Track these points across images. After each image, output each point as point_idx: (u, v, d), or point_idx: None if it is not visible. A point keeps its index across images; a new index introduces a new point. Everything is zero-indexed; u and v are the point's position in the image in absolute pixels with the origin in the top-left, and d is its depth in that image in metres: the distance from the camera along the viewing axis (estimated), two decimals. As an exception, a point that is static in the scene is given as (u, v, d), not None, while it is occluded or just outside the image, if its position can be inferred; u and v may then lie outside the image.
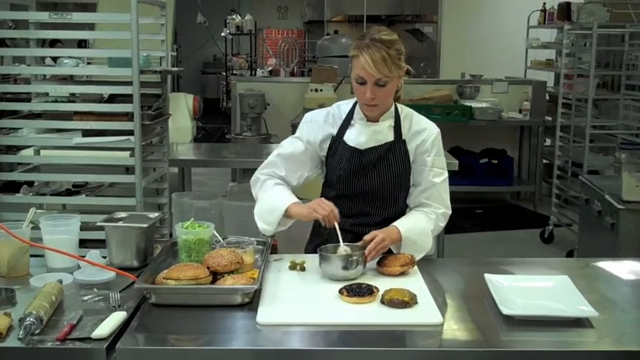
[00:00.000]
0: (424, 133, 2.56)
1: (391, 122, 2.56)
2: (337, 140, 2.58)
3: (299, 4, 14.73)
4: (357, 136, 2.55)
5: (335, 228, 2.36)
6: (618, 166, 5.12)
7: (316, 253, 2.47)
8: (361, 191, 2.56)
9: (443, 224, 2.59)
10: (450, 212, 2.59)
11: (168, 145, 4.31)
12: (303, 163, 2.61)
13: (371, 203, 2.59)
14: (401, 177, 2.56)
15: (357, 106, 2.58)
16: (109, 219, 2.45)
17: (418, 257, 2.44)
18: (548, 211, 6.49)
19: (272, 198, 2.51)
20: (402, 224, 2.49)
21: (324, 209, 2.37)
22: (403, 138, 2.55)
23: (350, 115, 2.59)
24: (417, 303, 2.06)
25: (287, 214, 2.45)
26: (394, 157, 2.54)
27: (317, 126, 2.61)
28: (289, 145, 2.62)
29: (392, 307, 2.04)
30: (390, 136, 2.55)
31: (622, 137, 5.97)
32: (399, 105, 2.60)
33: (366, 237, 2.37)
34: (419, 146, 2.55)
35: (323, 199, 2.45)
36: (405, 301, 2.04)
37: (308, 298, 2.13)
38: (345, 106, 2.63)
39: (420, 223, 2.51)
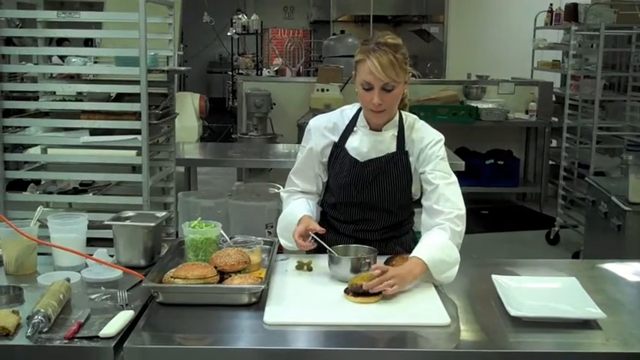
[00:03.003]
0: (423, 144, 2.49)
1: (394, 132, 2.51)
2: (339, 147, 2.54)
3: (305, 4, 14.73)
4: (359, 145, 2.51)
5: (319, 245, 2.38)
6: (625, 168, 5.11)
7: (320, 253, 2.47)
8: (362, 201, 2.54)
9: (459, 228, 2.37)
10: (463, 213, 2.42)
11: (175, 144, 4.31)
12: (314, 172, 2.61)
13: (372, 212, 2.56)
14: (402, 187, 2.52)
15: (361, 113, 2.53)
16: (117, 218, 2.45)
17: (454, 272, 2.27)
18: (554, 213, 6.47)
19: (287, 215, 2.56)
20: (420, 251, 2.27)
21: (298, 243, 2.40)
22: (406, 149, 2.51)
23: (353, 121, 2.55)
24: (380, 292, 2.07)
25: None
26: (395, 168, 2.50)
27: (319, 134, 2.57)
28: (299, 159, 2.64)
29: (358, 296, 2.06)
30: (392, 147, 2.50)
31: (629, 139, 5.96)
32: (403, 113, 2.54)
33: (386, 275, 2.13)
34: (420, 156, 2.49)
35: (299, 229, 2.40)
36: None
37: (315, 298, 2.13)
38: (349, 111, 2.58)
39: (437, 240, 2.32)
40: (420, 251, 2.28)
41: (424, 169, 2.48)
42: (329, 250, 2.32)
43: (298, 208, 2.54)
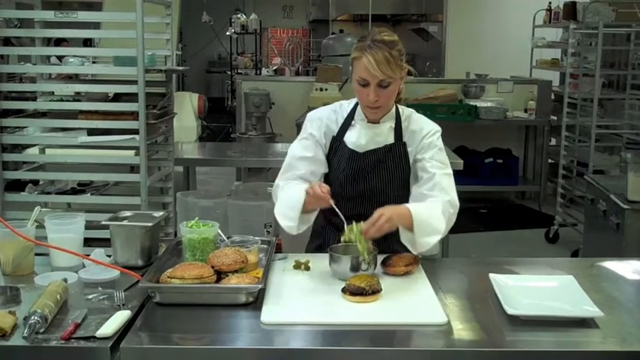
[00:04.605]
0: (422, 133, 2.52)
1: (392, 124, 2.54)
2: (338, 140, 2.56)
3: (304, 3, 14.73)
4: (357, 138, 2.53)
5: (334, 210, 2.32)
6: (624, 166, 5.12)
7: (316, 252, 2.47)
8: (360, 193, 2.55)
9: (453, 211, 2.43)
10: (457, 203, 2.45)
11: (173, 144, 4.31)
12: (317, 161, 2.56)
13: (371, 204, 2.54)
14: (400, 178, 2.55)
15: (359, 106, 2.55)
16: (114, 218, 2.45)
17: (434, 240, 2.33)
18: (553, 211, 6.47)
19: (290, 194, 2.44)
20: (410, 204, 2.40)
21: (314, 198, 2.32)
22: (404, 140, 2.53)
23: (351, 115, 2.57)
24: (378, 292, 2.09)
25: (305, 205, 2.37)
26: (393, 160, 2.53)
27: (321, 124, 2.58)
28: (301, 148, 2.56)
29: (355, 295, 2.07)
30: (390, 138, 2.53)
31: (627, 137, 5.96)
32: (400, 106, 2.57)
33: (374, 217, 2.26)
34: (417, 146, 2.52)
35: (314, 184, 2.34)
36: (361, 287, 2.07)
37: (312, 298, 2.13)
38: (347, 105, 2.61)
39: (429, 205, 2.40)
40: (410, 205, 2.40)
41: (422, 157, 2.50)
42: (329, 250, 2.32)
43: (299, 187, 2.44)
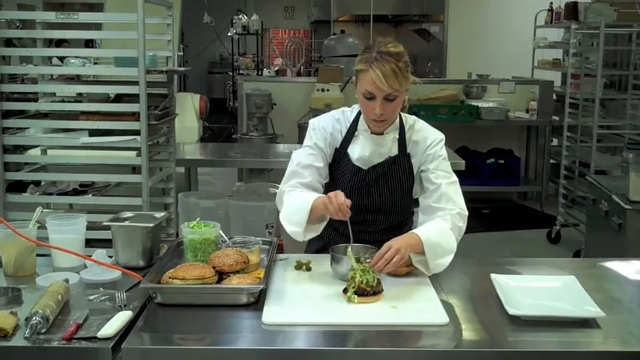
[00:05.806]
0: (426, 144, 2.50)
1: (395, 134, 2.50)
2: (341, 152, 2.52)
3: (305, 4, 14.75)
4: (361, 151, 2.49)
5: (347, 224, 2.29)
6: (625, 166, 5.10)
7: (316, 254, 2.46)
8: (364, 204, 2.51)
9: (462, 224, 2.41)
10: (466, 213, 2.43)
11: (175, 144, 4.31)
12: (321, 172, 2.51)
13: (374, 214, 2.55)
14: (404, 189, 2.52)
15: (362, 116, 2.51)
16: (115, 218, 2.45)
17: (448, 261, 2.30)
18: (555, 211, 6.47)
19: (298, 199, 2.38)
20: (418, 229, 2.35)
21: (334, 206, 2.22)
22: (407, 151, 2.50)
23: (354, 125, 2.52)
24: (379, 292, 2.10)
25: (312, 212, 2.31)
26: (397, 171, 2.50)
27: (326, 134, 2.52)
28: (307, 156, 2.50)
29: (359, 296, 2.07)
30: (394, 149, 2.49)
31: (629, 137, 5.95)
32: (403, 115, 2.53)
33: (382, 249, 2.21)
34: (421, 157, 2.49)
35: (339, 192, 2.26)
36: (362, 287, 2.08)
37: (313, 299, 2.13)
38: (350, 113, 2.56)
39: (437, 225, 2.36)
40: (418, 230, 2.33)
41: (426, 167, 2.48)
42: (331, 250, 2.32)
43: (313, 193, 2.40)
